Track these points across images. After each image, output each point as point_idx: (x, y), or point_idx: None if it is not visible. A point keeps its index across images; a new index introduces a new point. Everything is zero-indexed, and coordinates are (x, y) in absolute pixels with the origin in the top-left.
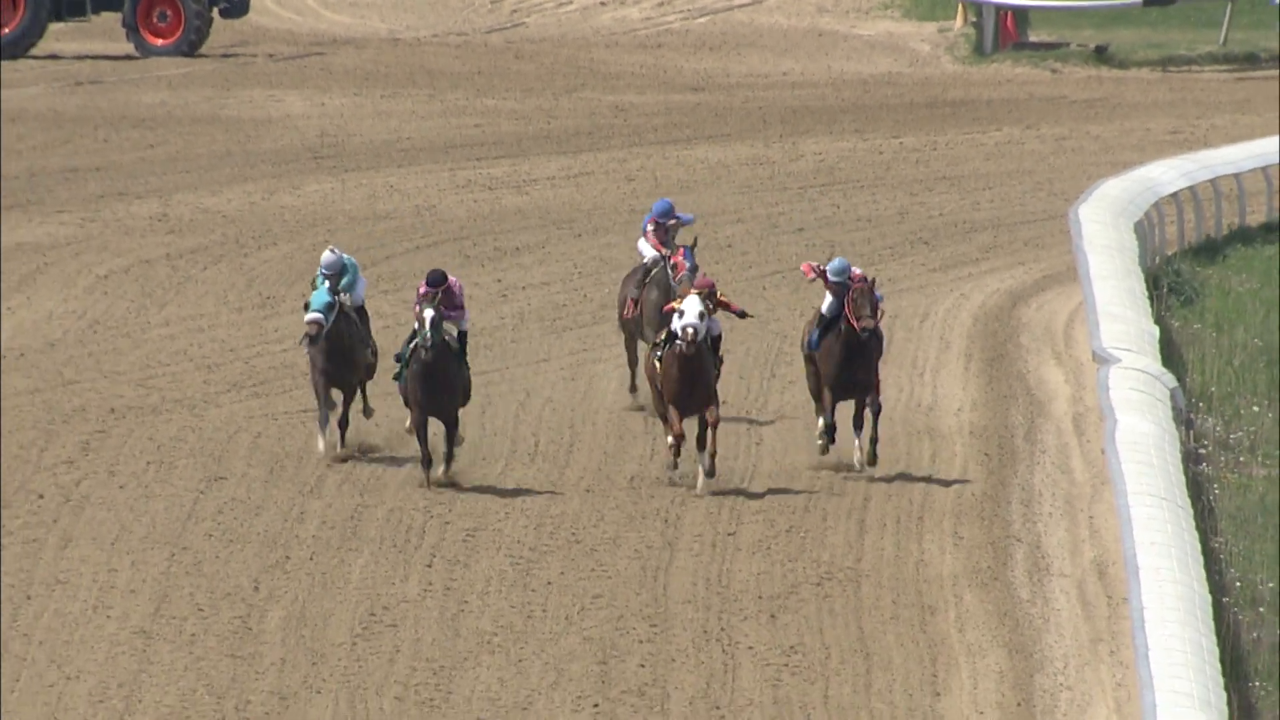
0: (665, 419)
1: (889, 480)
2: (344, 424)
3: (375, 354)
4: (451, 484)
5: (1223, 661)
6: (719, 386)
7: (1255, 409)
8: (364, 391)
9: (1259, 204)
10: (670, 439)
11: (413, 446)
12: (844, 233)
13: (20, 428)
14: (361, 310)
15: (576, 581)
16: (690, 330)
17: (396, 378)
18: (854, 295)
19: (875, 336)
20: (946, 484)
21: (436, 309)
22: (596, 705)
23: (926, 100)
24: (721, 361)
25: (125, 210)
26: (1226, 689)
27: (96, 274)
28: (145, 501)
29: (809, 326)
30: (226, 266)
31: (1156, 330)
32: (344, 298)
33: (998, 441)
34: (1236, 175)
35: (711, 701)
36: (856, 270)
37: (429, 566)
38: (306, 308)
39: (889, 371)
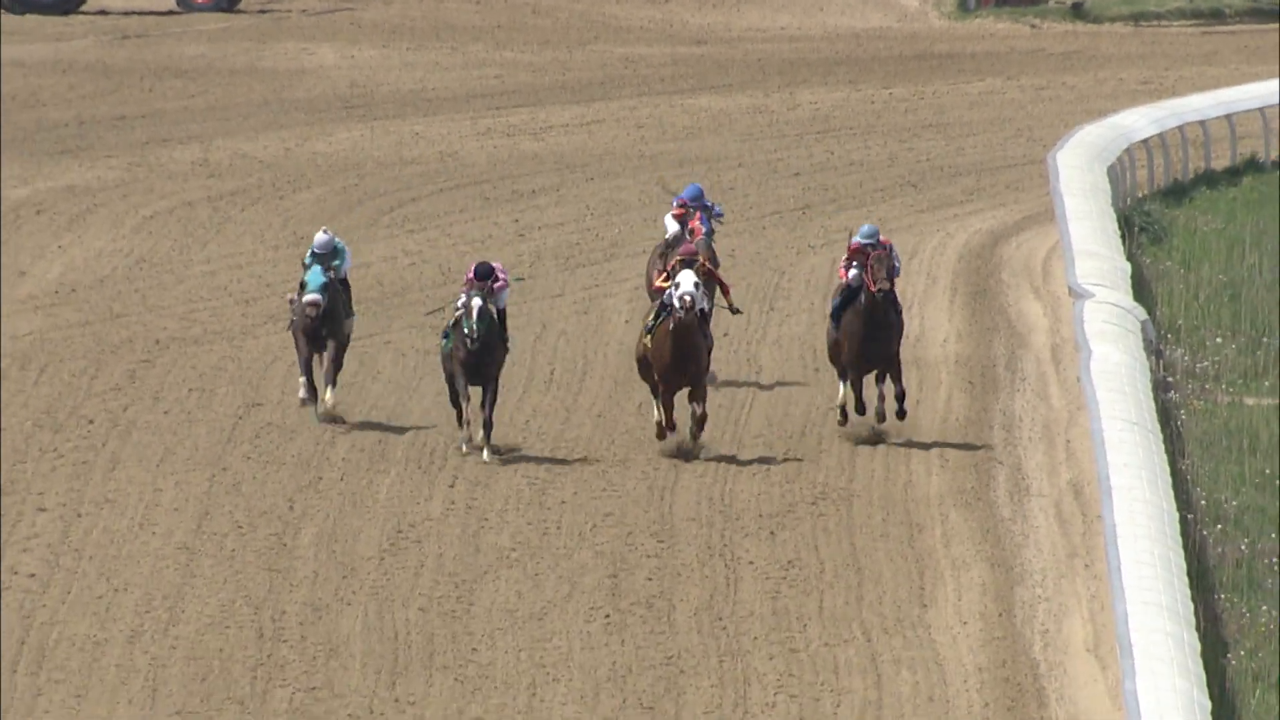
0: (655, 395)
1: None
2: (330, 380)
3: (353, 321)
4: (486, 448)
5: (1190, 575)
6: (710, 361)
7: (1219, 340)
8: (338, 367)
9: (1223, 149)
10: (657, 424)
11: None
12: (838, 177)
13: (72, 357)
14: (345, 281)
15: (589, 500)
16: (687, 297)
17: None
18: (872, 261)
19: (894, 312)
20: (933, 410)
21: (484, 298)
22: (608, 616)
23: (915, 53)
24: (711, 344)
25: (169, 155)
26: (1193, 600)
27: (142, 215)
28: (188, 426)
29: (835, 293)
30: (263, 208)
31: (1128, 267)
32: (330, 273)
33: (981, 370)
34: (1202, 122)
35: (715, 612)
36: (884, 238)
37: (451, 487)
38: (303, 287)
39: None
